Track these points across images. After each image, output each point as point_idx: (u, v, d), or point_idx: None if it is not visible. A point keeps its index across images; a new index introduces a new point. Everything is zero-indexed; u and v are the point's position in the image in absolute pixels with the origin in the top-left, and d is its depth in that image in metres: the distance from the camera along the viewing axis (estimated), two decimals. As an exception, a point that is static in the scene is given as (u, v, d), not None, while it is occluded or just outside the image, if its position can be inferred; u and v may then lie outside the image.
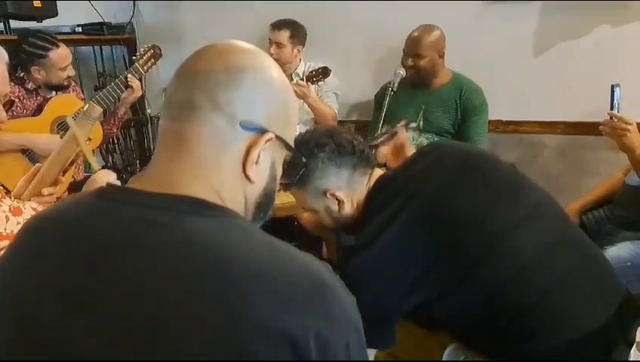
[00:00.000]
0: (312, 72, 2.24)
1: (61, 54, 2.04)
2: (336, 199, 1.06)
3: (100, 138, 2.20)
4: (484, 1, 2.32)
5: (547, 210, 1.06)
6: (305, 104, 2.26)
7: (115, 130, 2.33)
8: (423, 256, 0.96)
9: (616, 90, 1.55)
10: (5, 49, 1.26)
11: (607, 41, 2.16)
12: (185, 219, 0.52)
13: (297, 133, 0.96)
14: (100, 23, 2.81)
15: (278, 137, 0.60)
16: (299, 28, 2.45)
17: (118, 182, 1.19)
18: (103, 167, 2.93)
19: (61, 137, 1.95)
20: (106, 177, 1.19)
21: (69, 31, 2.78)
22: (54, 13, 2.55)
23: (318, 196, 1.07)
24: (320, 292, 0.51)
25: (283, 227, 1.73)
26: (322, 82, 2.30)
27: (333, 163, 1.04)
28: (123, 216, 0.54)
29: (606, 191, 1.90)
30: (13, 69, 2.01)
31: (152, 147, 3.02)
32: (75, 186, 2.01)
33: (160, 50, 2.28)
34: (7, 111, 1.28)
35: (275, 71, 0.62)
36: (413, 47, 2.11)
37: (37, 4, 2.45)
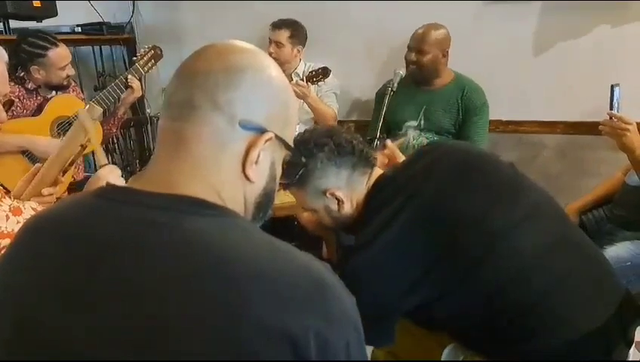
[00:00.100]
0: (311, 72, 2.24)
1: (60, 54, 2.04)
2: (336, 199, 1.06)
3: (100, 138, 2.20)
4: (484, 1, 2.32)
5: (547, 210, 1.06)
6: (305, 104, 2.26)
7: (114, 130, 2.33)
8: (422, 256, 0.96)
9: (616, 89, 1.55)
10: (5, 49, 1.26)
11: (607, 41, 2.17)
12: (184, 218, 0.52)
13: (297, 133, 0.96)
14: (99, 23, 2.81)
15: (277, 137, 0.60)
16: (299, 28, 2.45)
17: (122, 180, 1.20)
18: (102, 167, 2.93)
19: (61, 138, 1.95)
20: (111, 174, 1.19)
21: (68, 31, 2.78)
22: (54, 13, 2.55)
23: (318, 196, 1.07)
24: (320, 292, 0.51)
25: (283, 227, 1.73)
26: (322, 82, 2.30)
27: (333, 163, 1.04)
28: (123, 216, 0.54)
29: (606, 191, 1.90)
30: (13, 69, 2.01)
31: (151, 147, 3.02)
32: (74, 186, 2.01)
33: (161, 50, 2.28)
34: (6, 111, 1.28)
35: (274, 71, 0.62)
36: (417, 42, 2.12)
37: (36, 4, 2.45)
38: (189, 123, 0.57)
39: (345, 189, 1.06)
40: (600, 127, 1.53)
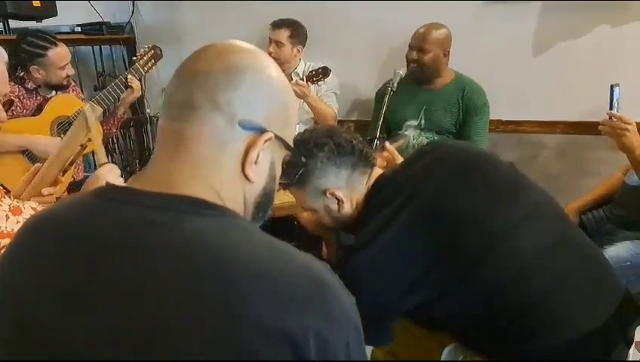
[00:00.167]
0: (311, 71, 2.24)
1: (60, 53, 2.04)
2: (336, 198, 1.06)
3: (101, 137, 2.20)
4: (484, 1, 2.32)
5: (547, 209, 1.06)
6: (304, 104, 2.26)
7: (114, 130, 2.33)
8: (422, 255, 0.96)
9: (616, 89, 1.55)
10: (5, 49, 1.26)
11: (607, 41, 2.17)
12: (184, 218, 0.52)
13: (296, 133, 0.96)
14: (99, 23, 2.81)
15: (277, 137, 0.60)
16: (299, 28, 2.45)
17: (121, 180, 1.19)
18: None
19: (61, 138, 1.95)
20: (110, 173, 1.18)
21: (68, 31, 2.78)
22: (54, 13, 2.55)
23: (318, 195, 1.07)
24: (320, 292, 0.51)
25: (282, 227, 1.73)
26: (322, 82, 2.30)
27: (333, 162, 1.04)
28: (122, 215, 0.54)
29: (605, 190, 1.90)
30: (12, 69, 2.01)
31: (151, 147, 3.02)
32: (74, 186, 2.01)
33: (160, 50, 2.28)
34: (6, 111, 1.28)
35: (274, 70, 0.62)
36: (419, 41, 2.12)
37: (36, 3, 2.45)
38: (189, 123, 0.57)
39: (345, 189, 1.06)
40: (600, 126, 1.53)
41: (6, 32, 2.45)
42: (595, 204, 1.90)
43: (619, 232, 1.74)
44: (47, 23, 2.55)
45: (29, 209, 1.15)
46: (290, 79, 2.32)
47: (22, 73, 2.06)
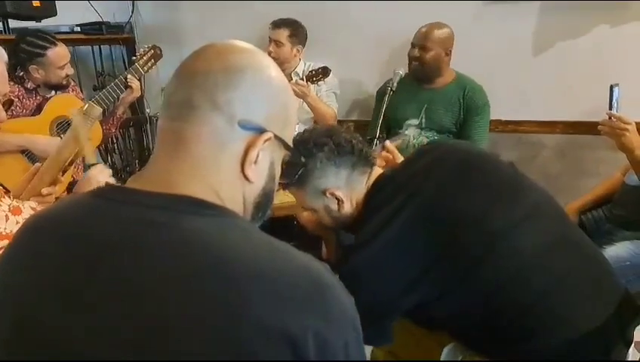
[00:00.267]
0: (311, 71, 2.24)
1: (59, 53, 2.04)
2: (336, 198, 1.06)
3: (100, 138, 2.20)
4: (484, 1, 2.32)
5: (547, 209, 1.06)
6: (304, 103, 2.26)
7: (113, 130, 2.33)
8: (423, 254, 0.96)
9: (615, 89, 1.55)
10: (4, 48, 1.26)
11: (607, 41, 2.17)
12: (183, 218, 0.52)
13: (296, 133, 0.96)
14: (98, 23, 2.81)
15: (276, 137, 0.60)
16: (299, 27, 2.45)
17: (113, 180, 1.20)
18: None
19: (61, 138, 1.95)
20: (101, 174, 1.19)
21: (67, 30, 2.77)
22: (53, 13, 2.55)
23: (318, 195, 1.07)
24: (320, 293, 0.51)
25: (282, 227, 1.73)
26: (322, 82, 2.30)
27: (332, 162, 1.04)
28: (122, 215, 0.54)
29: (605, 190, 1.91)
30: (12, 69, 2.01)
31: (151, 147, 3.02)
32: (74, 186, 2.00)
33: (160, 50, 2.28)
34: (6, 111, 1.28)
35: (273, 70, 0.62)
36: (421, 39, 2.13)
37: (36, 3, 2.44)
38: (189, 123, 0.57)
39: (344, 189, 1.06)
40: (599, 126, 1.54)
41: (5, 32, 2.45)
42: (594, 204, 1.90)
43: (618, 232, 1.74)
44: (46, 23, 2.55)
45: (29, 209, 1.15)
46: (290, 79, 2.32)
47: (21, 73, 2.06)
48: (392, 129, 2.25)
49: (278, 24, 2.43)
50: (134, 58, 2.28)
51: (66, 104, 2.10)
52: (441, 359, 1.10)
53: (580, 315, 0.97)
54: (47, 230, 0.57)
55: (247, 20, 2.67)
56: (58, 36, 2.17)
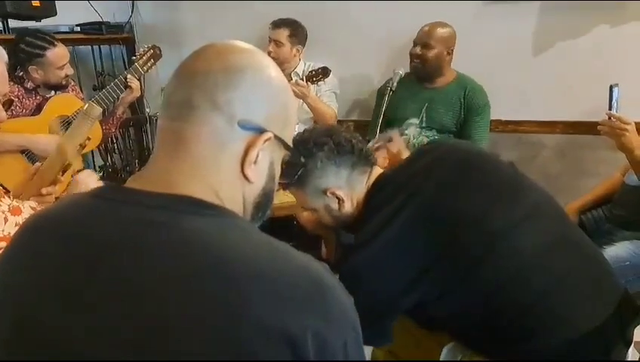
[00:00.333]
0: (311, 71, 2.24)
1: (58, 53, 2.04)
2: (336, 198, 1.06)
3: (99, 138, 2.20)
4: (484, 1, 2.32)
5: (547, 209, 1.06)
6: (304, 104, 2.26)
7: (113, 130, 2.33)
8: (423, 254, 0.96)
9: (615, 89, 1.56)
10: (4, 48, 1.26)
11: (606, 41, 2.17)
12: (183, 218, 0.52)
13: (296, 133, 0.96)
14: (98, 23, 2.81)
15: (276, 137, 0.60)
16: (299, 28, 2.45)
17: (101, 182, 1.21)
18: (101, 167, 2.93)
19: (63, 133, 1.95)
20: (89, 178, 1.20)
21: (67, 30, 2.77)
22: (53, 13, 2.55)
23: (318, 195, 1.07)
24: (319, 293, 0.51)
25: (282, 227, 1.73)
26: (322, 82, 2.30)
27: (333, 162, 1.04)
28: (122, 215, 0.54)
29: (605, 190, 1.91)
30: (11, 69, 2.00)
31: (150, 146, 3.01)
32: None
33: (160, 50, 2.28)
34: (6, 111, 1.28)
35: (273, 71, 0.62)
36: (423, 37, 2.14)
37: (36, 3, 2.44)
38: (188, 123, 0.57)
39: (345, 188, 1.06)
40: (599, 127, 1.54)
41: (5, 32, 2.45)
42: (594, 204, 1.90)
43: (618, 232, 1.74)
44: (46, 23, 2.54)
45: (29, 209, 1.15)
46: (290, 79, 2.32)
47: (21, 73, 2.06)
48: (392, 128, 2.25)
49: (277, 24, 2.43)
50: (134, 58, 2.28)
51: (66, 104, 2.10)
52: (441, 359, 1.10)
53: (579, 315, 0.97)
54: (46, 230, 0.57)
55: (247, 20, 2.67)
56: (58, 36, 2.16)
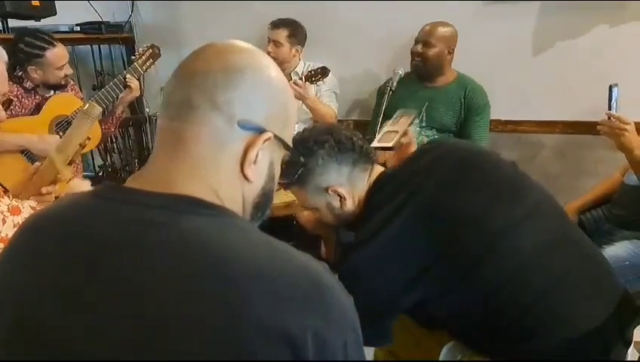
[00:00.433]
0: (310, 71, 2.24)
1: (58, 54, 2.04)
2: (338, 195, 1.06)
3: (99, 137, 2.20)
4: (484, 1, 2.32)
5: (547, 209, 1.06)
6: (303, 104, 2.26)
7: (113, 130, 2.33)
8: (423, 253, 0.96)
9: (614, 89, 1.56)
10: (4, 48, 1.25)
11: (606, 41, 2.17)
12: (182, 218, 0.52)
13: (296, 132, 0.96)
14: (98, 22, 2.81)
15: (276, 137, 0.60)
16: (298, 28, 2.45)
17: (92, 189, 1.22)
18: (100, 166, 2.94)
19: (60, 137, 1.95)
20: (82, 183, 1.20)
21: (67, 30, 2.78)
22: (53, 12, 2.55)
23: (320, 193, 1.07)
24: (319, 293, 0.51)
25: (281, 226, 1.73)
26: (321, 82, 2.30)
27: (334, 159, 1.04)
28: (121, 215, 0.54)
29: (604, 190, 1.91)
30: (11, 69, 2.00)
31: (150, 146, 3.02)
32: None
33: (159, 50, 2.28)
34: (5, 110, 1.28)
35: (273, 71, 0.62)
36: (424, 35, 2.14)
37: (35, 3, 2.44)
38: (188, 123, 0.57)
39: (346, 185, 1.06)
40: (598, 126, 1.54)
41: (5, 32, 2.45)
42: (593, 204, 1.90)
43: (618, 232, 1.74)
44: (46, 22, 2.54)
45: (28, 208, 1.15)
46: (290, 79, 2.32)
47: (20, 73, 2.06)
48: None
49: (276, 24, 2.43)
50: (133, 57, 2.28)
51: (65, 103, 2.10)
52: (440, 358, 1.10)
53: (579, 315, 0.97)
54: (46, 229, 0.57)
55: (247, 20, 2.67)
56: (57, 36, 2.16)
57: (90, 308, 0.49)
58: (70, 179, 1.23)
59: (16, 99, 2.03)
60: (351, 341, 0.52)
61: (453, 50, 2.16)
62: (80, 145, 1.27)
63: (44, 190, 1.25)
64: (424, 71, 2.18)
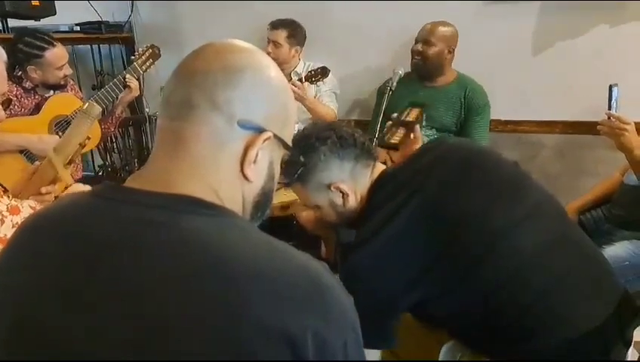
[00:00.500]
0: (310, 72, 2.24)
1: (57, 54, 2.03)
2: (341, 192, 1.05)
3: (99, 137, 2.20)
4: (484, 0, 2.32)
5: (548, 208, 1.06)
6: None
7: (112, 129, 2.33)
8: (424, 253, 0.96)
9: (614, 89, 1.56)
10: (3, 48, 1.25)
11: (606, 41, 2.17)
12: (182, 218, 0.52)
13: (295, 131, 0.96)
14: (98, 22, 2.81)
15: (276, 136, 0.60)
16: (297, 28, 2.45)
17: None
18: (100, 166, 2.93)
19: (59, 137, 1.94)
20: (81, 186, 1.20)
21: (67, 30, 2.78)
22: (52, 12, 2.54)
23: (322, 190, 1.06)
24: (319, 293, 0.51)
25: (281, 226, 1.73)
26: (321, 82, 2.30)
27: (336, 155, 1.04)
28: (121, 215, 0.54)
29: (604, 190, 1.91)
30: (10, 68, 2.00)
31: (150, 146, 3.02)
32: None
33: (159, 50, 2.28)
34: (4, 110, 1.27)
35: (273, 70, 0.62)
36: (425, 34, 2.15)
37: (35, 3, 2.44)
38: (188, 122, 0.57)
39: (349, 181, 1.06)
40: (598, 126, 1.54)
41: (4, 31, 2.45)
42: (593, 204, 1.90)
43: (617, 232, 1.74)
44: (45, 22, 2.54)
45: (28, 208, 1.15)
46: (290, 79, 2.32)
47: (19, 73, 2.06)
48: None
49: (276, 25, 2.42)
50: (133, 58, 2.28)
51: (65, 103, 2.09)
52: (440, 358, 1.10)
53: (579, 315, 0.97)
54: (46, 229, 0.57)
55: (247, 20, 2.67)
56: (57, 35, 2.16)
57: (90, 308, 0.49)
58: (69, 186, 1.23)
59: (15, 98, 2.03)
60: (351, 341, 0.52)
61: (453, 49, 2.16)
62: (80, 144, 1.26)
63: (43, 190, 1.25)
64: (424, 70, 2.18)
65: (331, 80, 2.36)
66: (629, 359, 1.05)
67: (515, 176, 1.08)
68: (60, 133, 2.03)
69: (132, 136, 3.06)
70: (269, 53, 2.37)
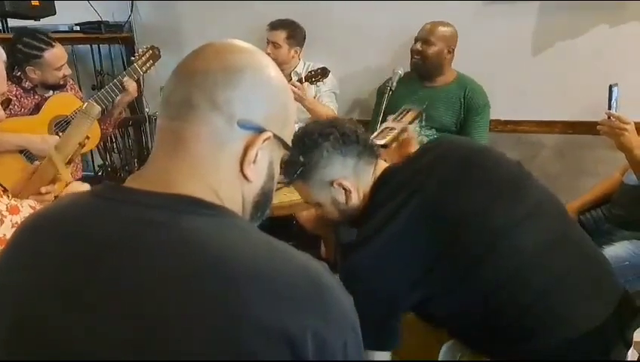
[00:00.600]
0: (310, 72, 2.24)
1: (56, 54, 2.03)
2: (343, 189, 1.05)
3: (98, 137, 2.20)
4: (484, 0, 2.32)
5: (548, 208, 1.06)
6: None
7: (111, 130, 2.33)
8: (424, 252, 0.96)
9: (614, 89, 1.56)
10: (3, 47, 1.25)
11: (606, 41, 2.17)
12: (182, 218, 0.52)
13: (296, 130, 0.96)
14: (97, 22, 2.81)
15: (276, 136, 0.60)
16: (296, 29, 2.44)
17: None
18: (100, 166, 2.94)
19: (59, 137, 1.94)
20: (81, 186, 1.20)
21: (66, 29, 2.78)
22: (52, 12, 2.55)
23: (324, 187, 1.06)
24: (319, 293, 0.51)
25: (281, 226, 1.73)
26: (321, 82, 2.30)
27: (338, 151, 1.03)
28: (121, 215, 0.53)
29: (604, 190, 1.91)
30: (9, 68, 2.00)
31: (150, 146, 3.01)
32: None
33: (159, 51, 2.27)
34: (4, 110, 1.27)
35: (273, 70, 0.62)
36: (425, 33, 2.15)
37: (35, 3, 2.44)
38: (188, 122, 0.57)
39: (352, 178, 1.05)
40: (598, 126, 1.54)
41: (4, 31, 2.45)
42: (593, 204, 1.90)
43: (617, 232, 1.74)
44: (45, 22, 2.54)
45: (28, 208, 1.15)
46: (290, 79, 2.32)
47: (18, 73, 2.06)
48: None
49: (275, 26, 2.42)
50: (133, 58, 2.28)
51: (64, 103, 2.09)
52: (440, 358, 1.10)
53: (579, 315, 0.97)
54: (46, 229, 0.57)
55: (247, 20, 2.67)
56: (57, 35, 2.16)
57: (90, 308, 0.49)
58: (69, 183, 1.23)
59: (15, 98, 2.03)
60: (351, 341, 0.52)
61: (453, 49, 2.17)
62: (79, 144, 1.26)
63: (43, 189, 1.25)
64: (423, 69, 2.18)
65: (331, 80, 2.36)
66: (629, 359, 1.05)
67: (515, 175, 1.08)
68: (60, 133, 2.02)
69: (132, 136, 3.06)
70: (268, 54, 2.36)
